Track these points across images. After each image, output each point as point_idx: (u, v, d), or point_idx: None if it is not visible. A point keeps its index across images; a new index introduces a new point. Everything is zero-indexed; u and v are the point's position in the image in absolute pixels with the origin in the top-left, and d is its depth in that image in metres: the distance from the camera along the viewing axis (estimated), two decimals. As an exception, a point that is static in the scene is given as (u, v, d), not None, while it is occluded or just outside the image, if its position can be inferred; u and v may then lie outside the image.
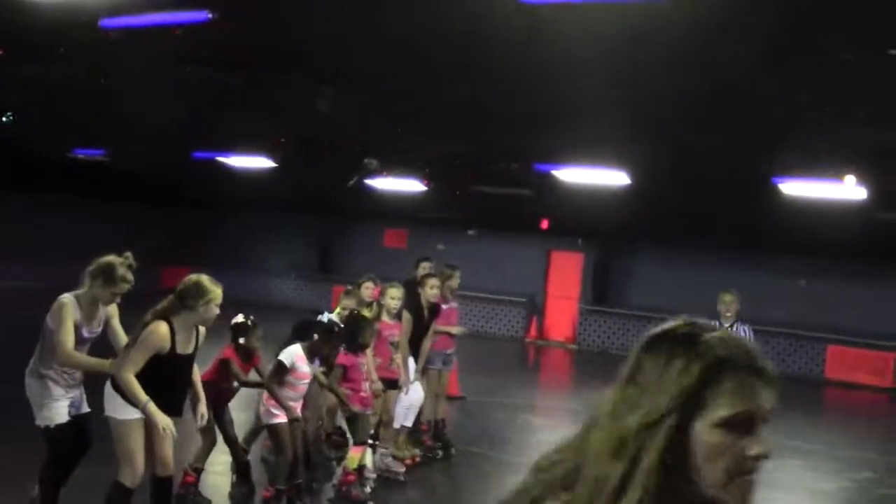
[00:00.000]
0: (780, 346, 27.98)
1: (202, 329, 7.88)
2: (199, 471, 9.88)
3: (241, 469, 10.03)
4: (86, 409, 8.28)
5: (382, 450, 11.81)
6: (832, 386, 26.53)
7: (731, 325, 12.95)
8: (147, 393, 7.35)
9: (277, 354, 9.78)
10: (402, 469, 11.86)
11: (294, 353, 9.40)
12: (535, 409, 18.90)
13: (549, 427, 17.19)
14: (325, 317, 9.88)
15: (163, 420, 7.35)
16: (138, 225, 32.67)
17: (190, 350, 7.76)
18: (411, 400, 12.26)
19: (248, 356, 9.90)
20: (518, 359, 28.88)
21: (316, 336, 9.61)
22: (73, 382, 8.08)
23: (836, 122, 14.30)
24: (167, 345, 7.48)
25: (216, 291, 7.66)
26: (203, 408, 8.14)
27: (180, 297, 7.62)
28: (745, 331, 12.93)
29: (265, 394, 9.56)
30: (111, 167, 28.27)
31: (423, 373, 12.85)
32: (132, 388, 7.32)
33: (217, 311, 7.71)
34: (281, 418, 9.34)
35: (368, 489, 10.90)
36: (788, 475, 14.16)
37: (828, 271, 27.17)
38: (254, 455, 10.78)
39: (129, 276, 7.95)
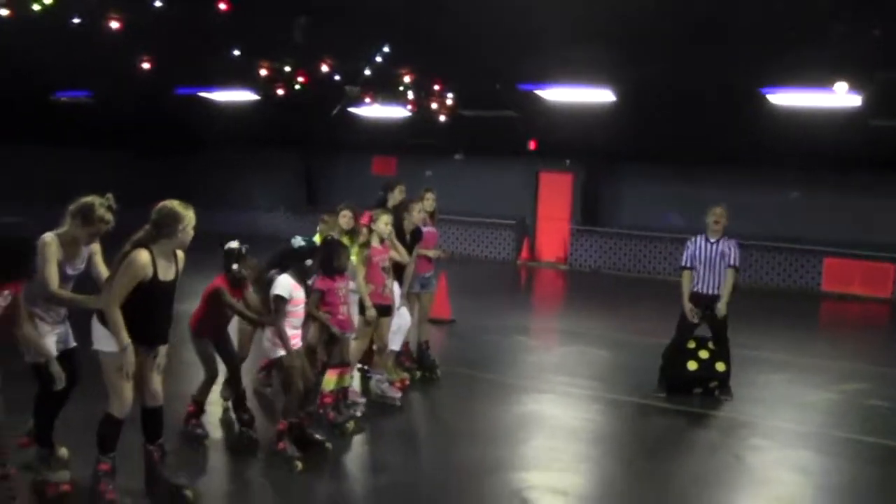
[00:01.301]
0: (776, 259, 27.98)
1: (180, 255, 7.92)
2: (200, 403, 9.95)
3: (238, 399, 9.97)
4: (73, 343, 8.38)
5: (378, 376, 11.83)
6: (830, 299, 26.52)
7: (717, 241, 12.93)
8: (133, 321, 7.45)
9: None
10: (398, 395, 11.83)
11: (288, 284, 9.31)
12: (527, 331, 18.90)
13: (541, 348, 17.22)
14: (296, 240, 9.74)
15: (130, 366, 7.47)
16: (124, 165, 32.73)
17: (171, 276, 7.79)
18: (398, 324, 12.25)
19: (237, 283, 9.84)
20: (509, 281, 28.88)
21: (309, 262, 9.53)
22: (58, 318, 8.18)
23: (826, 27, 14.19)
24: (149, 272, 7.52)
25: (189, 215, 7.72)
26: (164, 347, 8.05)
27: (156, 226, 7.66)
28: (730, 247, 12.92)
29: (269, 328, 9.50)
30: (94, 108, 28.17)
31: (408, 297, 12.86)
32: (117, 327, 7.39)
33: (192, 234, 7.77)
34: (283, 349, 9.28)
35: (359, 413, 10.91)
36: (777, 389, 14.23)
37: (823, 182, 27.02)
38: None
39: (108, 217, 7.97)
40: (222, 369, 10.09)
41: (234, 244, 9.89)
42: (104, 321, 7.55)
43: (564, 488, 9.14)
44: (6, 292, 6.99)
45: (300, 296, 9.44)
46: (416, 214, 12.57)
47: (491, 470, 9.54)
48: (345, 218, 12.11)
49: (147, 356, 7.78)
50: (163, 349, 7.97)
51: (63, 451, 8.44)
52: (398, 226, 12.20)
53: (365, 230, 11.57)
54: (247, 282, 9.93)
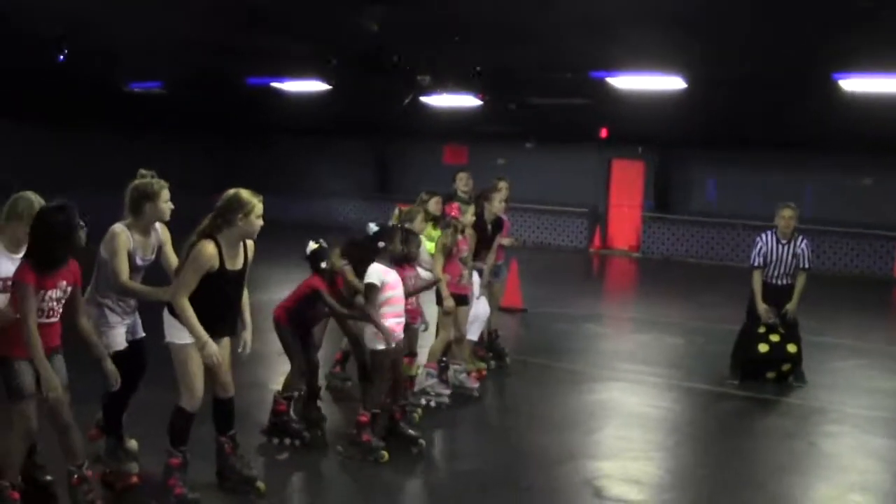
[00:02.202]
0: (849, 245, 27.78)
1: (249, 244, 7.82)
2: (290, 399, 9.69)
3: (311, 397, 9.84)
4: (141, 334, 8.42)
5: (456, 366, 11.76)
6: (903, 285, 26.26)
7: (789, 241, 12.84)
8: (202, 312, 7.42)
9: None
10: (476, 385, 11.80)
11: (378, 270, 9.19)
12: (598, 319, 18.88)
13: (612, 336, 17.22)
14: (370, 227, 9.64)
15: (215, 356, 7.47)
16: (197, 154, 33.09)
17: (239, 266, 7.70)
18: (475, 314, 12.20)
19: (332, 279, 9.82)
20: (582, 269, 28.88)
21: (381, 244, 9.41)
22: (129, 309, 8.19)
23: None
24: (216, 262, 7.43)
25: (255, 202, 7.58)
26: (248, 335, 8.03)
27: (221, 213, 7.55)
28: (803, 248, 12.84)
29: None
30: (168, 100, 28.47)
31: (489, 287, 12.84)
32: (190, 321, 7.36)
33: (260, 222, 7.63)
34: (382, 344, 9.17)
35: (441, 401, 10.97)
36: (850, 375, 14.14)
37: (894, 168, 26.75)
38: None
39: (160, 181, 8.04)
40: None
41: (313, 245, 9.72)
42: (174, 313, 7.50)
43: (637, 477, 9.15)
44: (64, 283, 6.99)
45: (393, 279, 9.28)
46: (497, 204, 12.43)
47: (564, 458, 9.57)
48: (437, 204, 11.98)
49: (220, 345, 7.72)
50: (246, 335, 7.96)
51: (132, 443, 8.51)
52: (479, 215, 12.18)
53: (454, 221, 11.46)
54: (340, 275, 9.92)
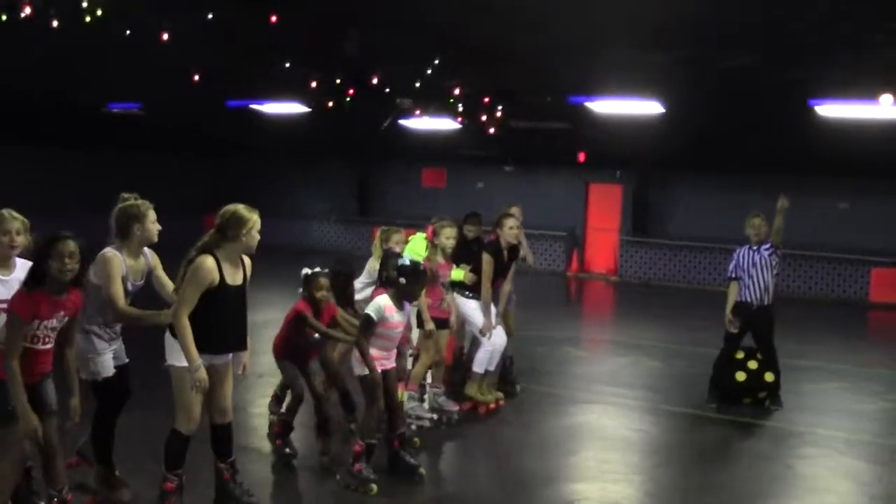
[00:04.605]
0: (825, 270, 27.92)
1: (247, 260, 7.84)
2: (287, 423, 9.77)
3: (321, 424, 9.80)
4: (125, 359, 8.34)
5: (435, 389, 11.76)
6: (877, 309, 26.39)
7: (758, 247, 12.94)
8: (207, 329, 7.41)
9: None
10: (456, 408, 11.75)
11: (382, 306, 9.06)
12: (577, 342, 18.93)
13: (591, 359, 17.24)
14: (405, 259, 9.51)
15: (202, 383, 7.40)
16: (178, 176, 33.06)
17: (239, 281, 7.69)
18: (494, 344, 12.12)
19: (316, 306, 9.71)
20: (560, 292, 28.87)
21: (403, 280, 9.24)
22: (114, 335, 8.15)
23: (872, 40, 14.16)
24: (216, 277, 7.43)
25: (254, 218, 7.65)
26: (247, 357, 8.03)
27: (220, 230, 7.59)
28: (763, 251, 12.92)
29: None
30: (146, 120, 28.44)
31: (503, 315, 12.77)
32: (185, 340, 7.31)
33: (258, 237, 7.69)
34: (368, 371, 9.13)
35: (414, 427, 10.96)
36: (828, 398, 14.22)
37: (870, 193, 26.96)
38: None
39: (146, 202, 8.04)
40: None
41: (305, 270, 9.73)
42: (175, 334, 7.47)
43: (617, 499, 9.18)
44: (62, 313, 6.94)
45: (395, 319, 9.16)
46: (509, 231, 12.23)
47: (544, 481, 9.61)
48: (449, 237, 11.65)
49: (221, 367, 7.74)
50: (244, 355, 7.96)
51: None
52: (495, 242, 12.19)
53: (429, 244, 11.46)
54: (326, 303, 9.82)
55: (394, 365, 9.44)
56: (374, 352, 9.09)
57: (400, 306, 9.20)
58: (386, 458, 9.44)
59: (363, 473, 9.00)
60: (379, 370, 9.09)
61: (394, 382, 9.52)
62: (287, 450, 9.78)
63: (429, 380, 11.82)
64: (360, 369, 9.16)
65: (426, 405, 11.63)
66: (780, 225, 12.75)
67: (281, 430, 9.85)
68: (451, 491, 9.38)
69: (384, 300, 9.12)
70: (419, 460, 9.73)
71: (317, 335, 9.77)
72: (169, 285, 8.21)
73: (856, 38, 14.04)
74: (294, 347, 9.71)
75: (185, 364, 7.40)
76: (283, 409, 10.01)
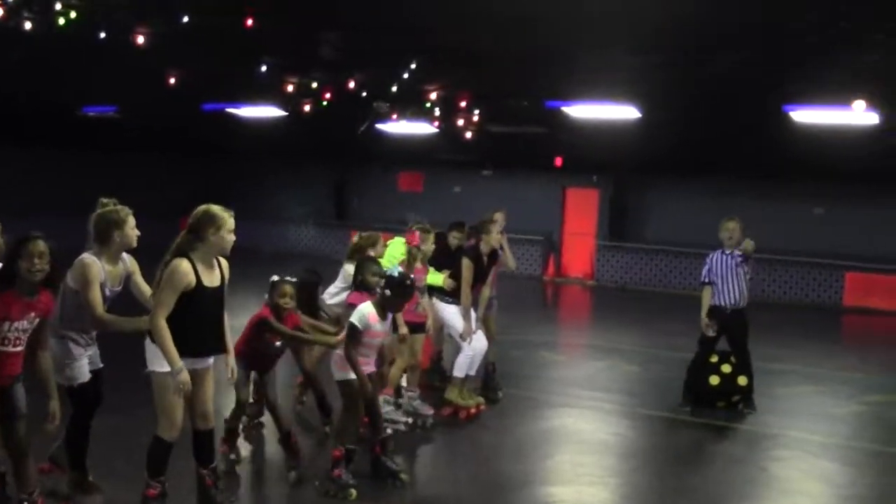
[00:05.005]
0: (799, 274, 28.08)
1: (224, 262, 7.77)
2: (230, 429, 9.72)
3: (283, 438, 9.69)
4: (99, 364, 8.29)
5: (410, 393, 11.78)
6: (851, 313, 26.56)
7: (731, 252, 13.01)
8: (185, 332, 7.31)
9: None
10: (431, 412, 11.76)
11: (366, 314, 9.04)
12: (554, 346, 18.96)
13: (567, 363, 17.27)
14: (393, 271, 9.50)
15: (185, 385, 7.31)
16: (155, 179, 32.94)
17: (216, 283, 7.62)
18: (474, 349, 12.15)
19: (279, 314, 9.64)
20: (536, 297, 28.90)
21: (388, 292, 9.17)
22: (90, 341, 8.11)
23: (846, 46, 14.24)
24: (192, 279, 7.35)
25: (225, 217, 7.56)
26: (232, 360, 8.00)
27: (193, 230, 7.49)
28: (735, 257, 12.98)
29: (339, 349, 9.25)
30: (123, 123, 28.32)
31: (484, 320, 12.80)
32: (165, 343, 7.22)
33: (232, 237, 7.59)
34: (353, 374, 9.04)
35: (389, 430, 10.95)
36: (801, 401, 14.31)
37: (843, 198, 27.09)
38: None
39: (125, 208, 8.01)
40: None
41: (273, 277, 9.70)
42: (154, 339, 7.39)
43: (592, 502, 9.26)
44: (33, 314, 6.88)
45: (378, 328, 9.15)
46: (494, 235, 12.35)
47: (520, 485, 9.64)
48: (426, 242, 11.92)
49: (202, 372, 7.66)
50: (230, 360, 7.92)
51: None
52: (475, 247, 12.24)
53: (414, 250, 11.48)
54: (288, 313, 9.72)
55: (374, 370, 9.44)
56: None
57: (383, 316, 9.20)
58: (368, 463, 9.42)
59: (342, 479, 8.97)
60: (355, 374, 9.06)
61: (376, 388, 9.52)
62: (232, 455, 9.77)
63: (404, 383, 11.85)
64: (339, 374, 9.13)
65: (402, 409, 11.63)
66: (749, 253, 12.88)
67: (226, 436, 9.79)
68: (427, 494, 9.40)
69: (368, 308, 9.11)
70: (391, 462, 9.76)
71: (278, 343, 9.75)
72: (147, 291, 8.13)
73: (830, 44, 14.10)
74: (254, 353, 9.60)
75: (167, 370, 7.31)
76: (228, 415, 9.89)
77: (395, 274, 9.29)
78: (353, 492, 8.88)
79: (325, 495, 8.94)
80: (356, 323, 8.98)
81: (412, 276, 10.18)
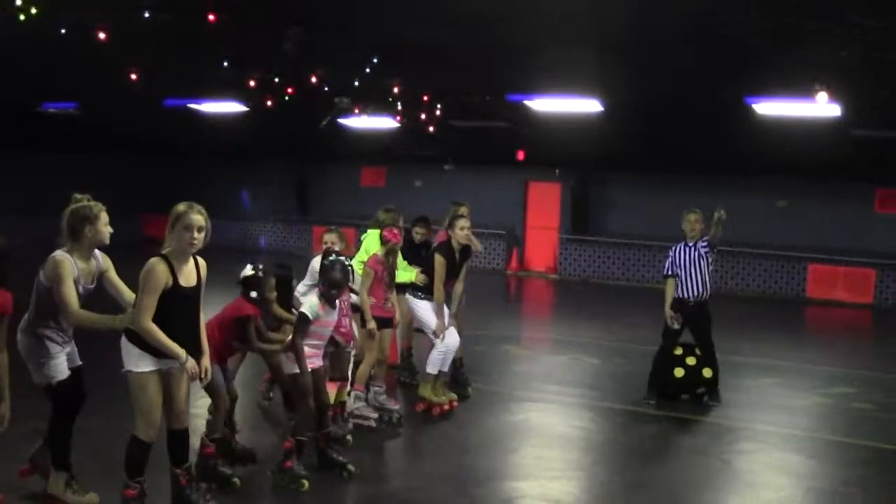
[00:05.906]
0: (762, 266, 28.24)
1: (202, 262, 7.74)
2: (217, 441, 9.25)
3: (230, 426, 9.59)
4: (78, 362, 8.24)
5: (376, 388, 11.73)
6: (814, 305, 26.76)
7: (695, 243, 13.06)
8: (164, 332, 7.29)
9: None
10: (397, 406, 11.75)
11: (316, 303, 9.14)
12: (516, 340, 19.00)
13: (530, 357, 17.29)
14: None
15: (194, 366, 7.43)
16: (115, 176, 32.69)
17: (193, 283, 7.59)
18: (447, 345, 12.17)
19: (266, 310, 9.63)
20: (499, 291, 28.90)
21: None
22: (67, 338, 8.05)
23: (807, 38, 14.29)
24: (169, 279, 7.32)
25: (188, 212, 7.51)
26: (207, 361, 7.85)
27: (167, 229, 7.50)
28: (699, 248, 13.05)
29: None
30: (83, 119, 28.10)
31: (456, 316, 12.74)
32: (163, 341, 7.25)
33: (196, 236, 7.44)
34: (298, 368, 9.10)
35: (350, 425, 10.93)
36: (764, 393, 14.37)
37: (806, 190, 27.23)
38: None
39: (98, 204, 7.95)
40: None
41: (249, 271, 9.50)
42: (133, 339, 7.36)
43: (556, 496, 9.21)
44: None
45: (328, 318, 9.26)
46: (460, 231, 12.30)
47: (482, 479, 9.62)
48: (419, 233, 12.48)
49: (176, 372, 7.58)
50: (205, 362, 7.78)
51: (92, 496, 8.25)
52: (447, 243, 12.30)
53: (392, 246, 11.46)
54: (271, 306, 9.75)
55: (321, 364, 9.46)
56: (306, 350, 9.12)
57: (332, 305, 9.29)
58: (315, 456, 9.45)
59: (294, 470, 9.01)
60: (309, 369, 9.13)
61: (322, 381, 9.51)
62: (227, 470, 9.34)
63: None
64: (290, 367, 9.19)
65: (370, 405, 11.61)
66: (717, 233, 12.84)
67: (214, 451, 9.63)
68: (389, 489, 9.37)
69: (316, 300, 9.21)
70: (360, 459, 9.74)
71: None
72: (123, 289, 8.09)
73: (790, 35, 14.15)
74: (224, 345, 9.43)
75: (143, 369, 7.33)
76: (206, 431, 9.64)
77: (327, 263, 9.39)
78: (306, 482, 8.93)
79: (278, 486, 8.98)
80: (307, 312, 9.09)
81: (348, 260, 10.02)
